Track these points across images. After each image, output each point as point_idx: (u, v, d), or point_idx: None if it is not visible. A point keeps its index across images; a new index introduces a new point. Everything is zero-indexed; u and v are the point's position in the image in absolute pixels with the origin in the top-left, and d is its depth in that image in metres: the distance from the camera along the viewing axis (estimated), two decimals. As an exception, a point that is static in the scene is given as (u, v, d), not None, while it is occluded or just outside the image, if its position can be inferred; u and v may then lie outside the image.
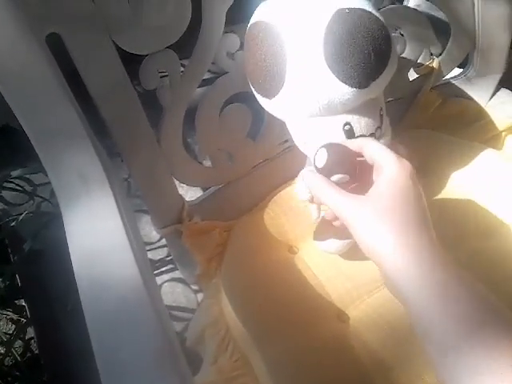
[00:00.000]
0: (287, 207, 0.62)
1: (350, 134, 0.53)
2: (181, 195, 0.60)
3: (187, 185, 0.62)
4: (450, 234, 0.59)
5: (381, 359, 0.51)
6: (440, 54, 0.74)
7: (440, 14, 0.73)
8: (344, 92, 0.48)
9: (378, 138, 0.54)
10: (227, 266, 0.59)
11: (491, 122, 0.75)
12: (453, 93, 0.78)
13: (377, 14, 0.50)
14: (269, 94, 0.51)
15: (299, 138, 0.56)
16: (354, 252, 0.58)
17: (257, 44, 0.51)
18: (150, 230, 1.08)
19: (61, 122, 0.41)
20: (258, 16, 0.51)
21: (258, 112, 0.61)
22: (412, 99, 0.76)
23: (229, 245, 0.61)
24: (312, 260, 0.60)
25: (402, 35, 0.70)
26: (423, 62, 0.74)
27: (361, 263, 0.58)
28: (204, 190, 0.68)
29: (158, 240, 1.08)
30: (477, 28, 0.72)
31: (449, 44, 0.74)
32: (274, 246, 0.61)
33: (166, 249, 1.07)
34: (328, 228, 0.55)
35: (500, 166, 0.68)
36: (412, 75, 0.75)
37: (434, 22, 0.74)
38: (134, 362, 0.31)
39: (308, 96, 0.49)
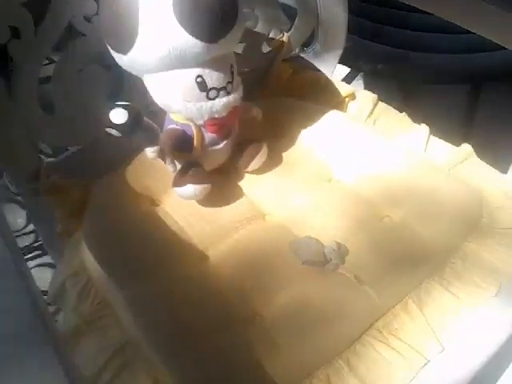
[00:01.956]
0: (149, 165, 0.65)
1: (203, 85, 0.57)
2: (37, 154, 0.60)
3: (44, 143, 0.62)
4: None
5: (239, 287, 0.55)
6: (289, 30, 0.82)
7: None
8: (194, 45, 0.53)
9: (229, 92, 0.59)
10: (89, 219, 0.60)
11: (336, 90, 0.84)
12: (303, 66, 0.87)
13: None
14: (123, 49, 0.54)
15: (156, 93, 0.59)
16: (211, 197, 0.62)
17: (112, 1, 0.53)
18: (14, 218, 1.05)
19: None
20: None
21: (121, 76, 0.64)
22: (266, 70, 0.83)
23: (90, 201, 0.62)
24: (174, 210, 0.63)
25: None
26: (274, 37, 0.81)
27: (218, 208, 0.63)
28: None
29: (24, 227, 1.06)
30: (318, 7, 0.81)
31: (296, 21, 0.82)
32: (136, 200, 0.63)
33: (32, 235, 1.05)
34: (185, 176, 0.59)
35: (344, 124, 0.77)
36: (265, 49, 0.83)
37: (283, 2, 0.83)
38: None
39: (160, 48, 0.52)
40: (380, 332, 0.54)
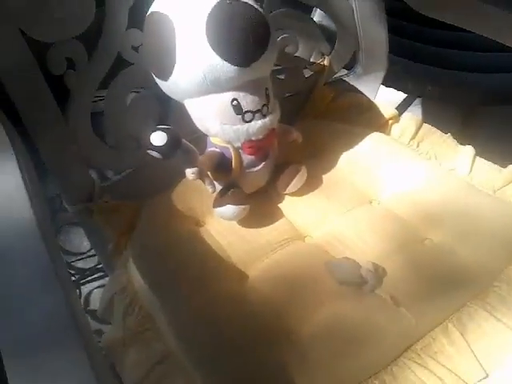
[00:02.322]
0: (194, 187, 0.68)
1: (238, 108, 0.60)
2: (91, 176, 0.65)
3: (96, 167, 0.67)
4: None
5: (277, 306, 0.57)
6: (330, 53, 0.84)
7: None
8: (227, 70, 0.56)
9: (265, 115, 0.61)
10: (137, 237, 0.64)
11: (379, 112, 0.85)
12: (345, 89, 0.88)
13: (256, 6, 0.58)
14: (164, 76, 0.58)
15: (196, 117, 0.62)
16: (251, 218, 0.65)
17: (153, 31, 0.58)
18: (80, 241, 1.12)
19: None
20: (154, 7, 0.58)
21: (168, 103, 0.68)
22: (308, 94, 0.85)
23: (139, 221, 0.66)
24: (216, 230, 0.66)
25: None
26: (315, 61, 0.83)
27: (258, 228, 0.65)
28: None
29: (89, 250, 1.11)
30: (358, 29, 0.82)
31: (336, 44, 0.83)
32: (182, 221, 0.66)
33: (95, 258, 1.10)
34: (224, 196, 0.62)
35: (386, 146, 0.77)
36: (307, 73, 0.85)
37: (323, 26, 0.85)
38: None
39: (196, 73, 0.55)
40: (418, 355, 0.53)
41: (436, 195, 0.68)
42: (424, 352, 0.53)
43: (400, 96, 1.33)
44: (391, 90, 1.12)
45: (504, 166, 0.71)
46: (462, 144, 0.77)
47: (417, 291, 0.57)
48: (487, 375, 0.51)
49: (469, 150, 0.75)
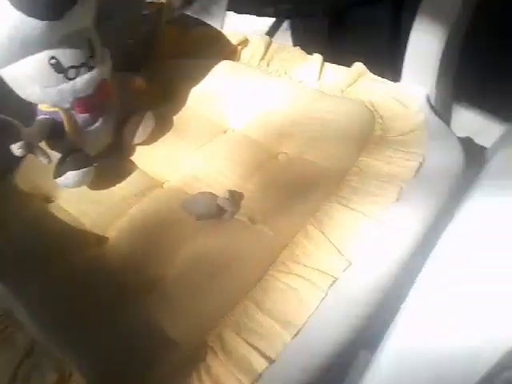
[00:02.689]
0: (36, 164, 0.63)
1: (58, 67, 0.55)
2: None
3: None
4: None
5: (137, 261, 0.54)
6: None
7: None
8: (35, 27, 0.50)
9: (92, 67, 0.57)
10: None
11: (228, 41, 0.82)
12: (191, 23, 0.85)
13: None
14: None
15: (16, 87, 0.57)
16: (101, 179, 0.61)
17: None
18: None
19: None
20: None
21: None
22: (151, 35, 0.81)
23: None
24: (67, 202, 0.62)
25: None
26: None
27: (112, 187, 0.62)
28: None
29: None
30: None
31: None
32: (26, 201, 0.62)
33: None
34: (62, 164, 0.58)
35: (234, 72, 0.75)
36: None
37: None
38: None
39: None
40: (284, 263, 0.53)
41: (286, 109, 0.67)
42: (288, 259, 0.53)
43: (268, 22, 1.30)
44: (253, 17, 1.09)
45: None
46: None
47: (273, 206, 0.56)
48: (350, 263, 0.52)
49: (316, 58, 0.74)
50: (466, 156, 0.66)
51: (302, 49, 0.77)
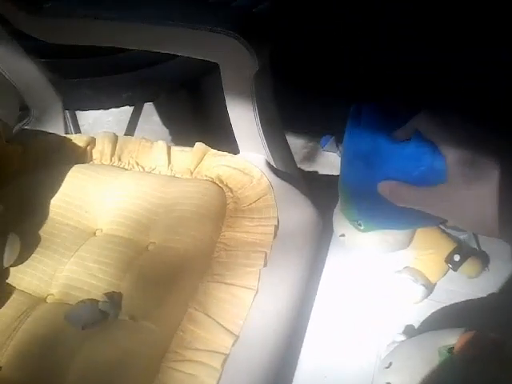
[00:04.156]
0: None
1: None
2: None
3: None
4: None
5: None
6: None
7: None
8: None
9: None
10: None
11: (74, 144, 0.84)
12: (32, 135, 0.85)
13: None
14: None
15: None
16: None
17: None
18: None
19: None
20: None
21: None
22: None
23: None
24: None
25: None
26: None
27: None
28: None
29: None
30: (6, 75, 0.80)
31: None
32: None
33: None
34: None
35: (89, 174, 0.77)
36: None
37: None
38: None
39: None
40: (176, 352, 0.56)
41: (145, 200, 0.71)
42: (179, 347, 0.56)
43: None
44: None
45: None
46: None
47: (151, 299, 0.59)
48: (237, 336, 0.57)
49: (161, 144, 0.79)
50: (318, 207, 0.76)
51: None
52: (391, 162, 0.40)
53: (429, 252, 0.51)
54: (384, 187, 0.40)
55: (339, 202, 0.49)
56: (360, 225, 0.47)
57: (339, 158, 0.60)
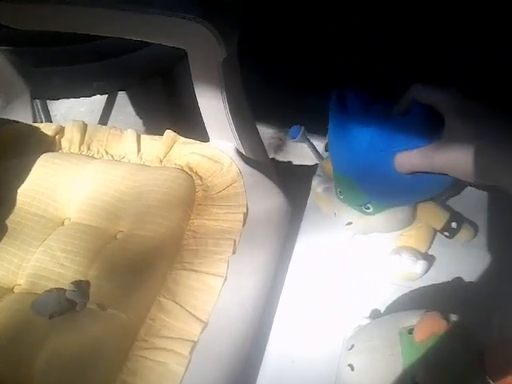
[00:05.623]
0: None
1: None
2: None
3: None
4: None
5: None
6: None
7: None
8: None
9: None
10: None
11: (43, 133, 0.82)
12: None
13: None
14: None
15: None
16: None
17: None
18: None
19: None
20: None
21: None
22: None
23: None
24: None
25: None
26: None
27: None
28: None
29: None
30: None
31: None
32: None
33: None
34: None
35: (57, 163, 0.76)
36: None
37: None
38: None
39: None
40: (146, 340, 0.56)
41: (113, 188, 0.70)
42: (149, 335, 0.56)
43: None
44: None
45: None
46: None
47: (120, 287, 0.59)
48: (206, 323, 0.57)
49: (130, 132, 0.79)
50: (288, 195, 0.77)
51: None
52: (397, 137, 0.42)
53: (418, 226, 0.53)
54: (403, 160, 0.42)
55: (337, 193, 0.51)
56: (368, 208, 0.49)
57: (309, 149, 0.61)
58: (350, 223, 0.51)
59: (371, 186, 0.47)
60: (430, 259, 0.53)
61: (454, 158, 0.39)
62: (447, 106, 0.40)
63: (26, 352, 0.55)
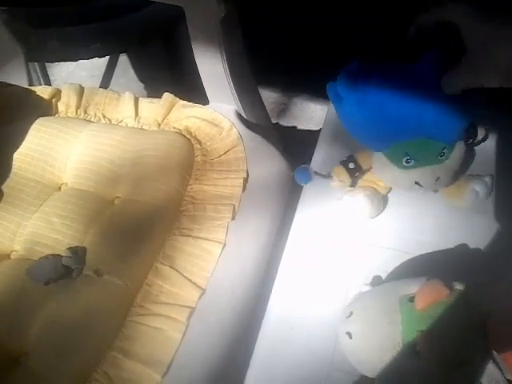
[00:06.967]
0: None
1: None
2: None
3: None
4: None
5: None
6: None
7: None
8: None
9: None
10: None
11: (39, 96, 0.80)
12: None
13: None
14: None
15: None
16: None
17: None
18: None
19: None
20: None
21: None
22: None
23: None
24: None
25: None
26: None
27: None
28: None
29: None
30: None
31: None
32: None
33: None
34: None
35: (53, 127, 0.74)
36: None
37: None
38: None
39: None
40: (142, 306, 0.55)
41: (111, 153, 0.69)
42: (146, 301, 0.55)
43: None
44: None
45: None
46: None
47: (116, 253, 0.58)
48: (204, 289, 0.56)
49: (128, 96, 0.76)
50: (290, 158, 0.75)
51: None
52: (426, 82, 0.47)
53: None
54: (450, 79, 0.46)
55: (403, 164, 0.51)
56: (409, 161, 0.51)
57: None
58: (417, 183, 0.52)
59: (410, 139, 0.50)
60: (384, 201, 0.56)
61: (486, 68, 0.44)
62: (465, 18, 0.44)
63: (22, 318, 0.55)
